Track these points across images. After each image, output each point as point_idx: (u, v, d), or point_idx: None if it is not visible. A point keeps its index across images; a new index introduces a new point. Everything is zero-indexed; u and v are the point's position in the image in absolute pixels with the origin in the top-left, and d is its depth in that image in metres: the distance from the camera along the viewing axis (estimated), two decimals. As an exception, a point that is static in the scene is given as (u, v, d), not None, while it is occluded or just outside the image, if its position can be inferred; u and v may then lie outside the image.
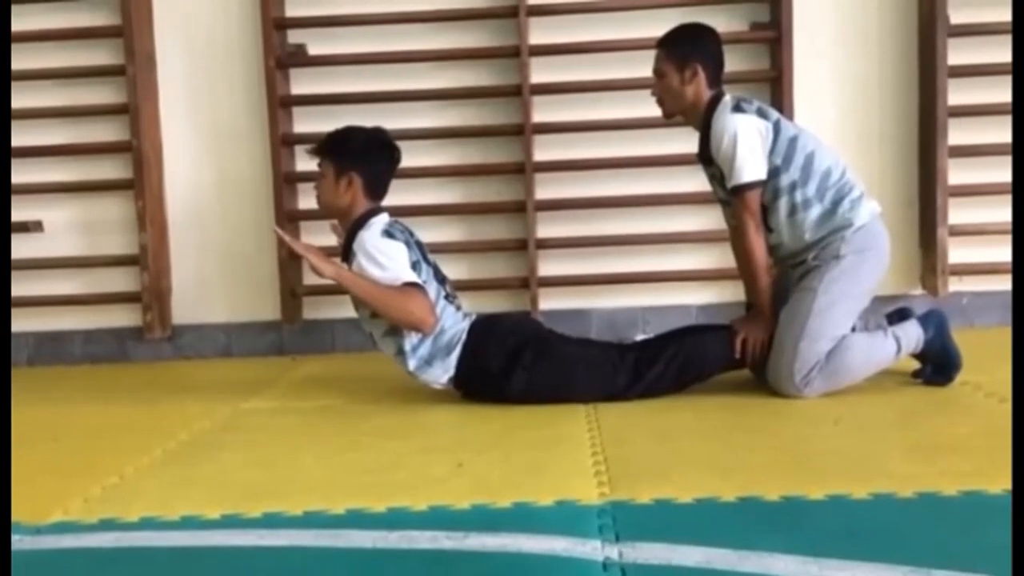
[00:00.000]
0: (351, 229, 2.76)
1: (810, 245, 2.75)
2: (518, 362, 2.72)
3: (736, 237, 2.85)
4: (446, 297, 2.79)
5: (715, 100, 2.78)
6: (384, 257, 2.66)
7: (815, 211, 2.72)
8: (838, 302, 2.68)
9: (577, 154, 3.77)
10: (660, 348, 2.78)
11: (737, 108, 2.73)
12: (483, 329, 2.80)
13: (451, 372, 2.75)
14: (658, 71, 2.82)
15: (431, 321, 2.66)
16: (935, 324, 2.77)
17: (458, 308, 2.82)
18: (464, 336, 2.75)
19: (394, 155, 2.85)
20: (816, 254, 2.74)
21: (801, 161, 2.72)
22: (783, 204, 2.73)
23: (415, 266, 2.71)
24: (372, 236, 2.70)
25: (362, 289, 2.67)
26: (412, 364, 2.74)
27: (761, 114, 2.75)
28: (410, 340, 2.72)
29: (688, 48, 2.78)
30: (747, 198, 2.72)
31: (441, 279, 2.82)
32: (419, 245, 2.82)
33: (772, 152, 2.71)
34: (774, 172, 2.72)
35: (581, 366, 2.75)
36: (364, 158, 2.77)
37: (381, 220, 2.76)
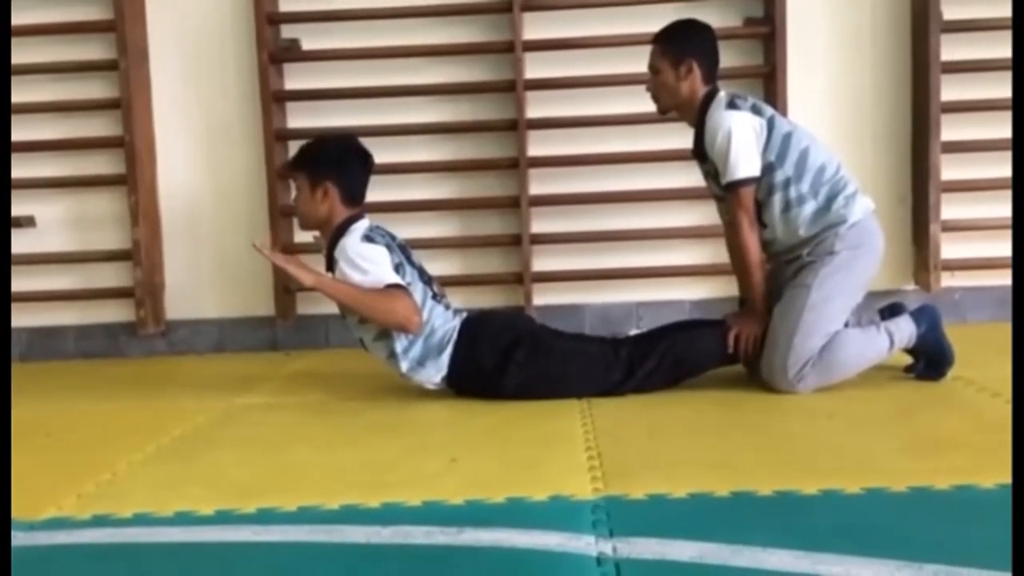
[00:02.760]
0: (332, 237, 2.76)
1: (804, 241, 2.75)
2: (511, 359, 2.72)
3: (731, 234, 2.85)
4: (434, 297, 2.78)
5: (710, 96, 2.78)
6: (365, 262, 2.65)
7: (809, 207, 2.72)
8: (832, 298, 2.69)
9: (571, 150, 3.77)
10: (653, 344, 2.78)
11: (731, 105, 2.74)
12: (475, 326, 2.79)
13: (444, 371, 2.75)
14: (653, 67, 2.82)
15: (416, 321, 2.65)
16: (928, 319, 2.78)
17: (447, 307, 2.82)
18: (455, 335, 2.75)
19: (367, 160, 2.84)
20: (810, 250, 2.74)
21: (795, 157, 2.72)
22: (777, 200, 2.74)
23: (398, 268, 2.70)
24: (352, 242, 2.69)
25: (344, 294, 2.66)
26: (404, 366, 2.74)
27: (755, 111, 2.75)
28: (401, 342, 2.72)
29: (684, 44, 2.79)
30: (741, 194, 2.72)
31: (427, 280, 2.82)
32: (402, 248, 2.82)
33: (766, 149, 2.71)
34: (768, 168, 2.72)
35: (574, 362, 2.75)
36: (337, 167, 2.76)
37: (361, 226, 2.76)
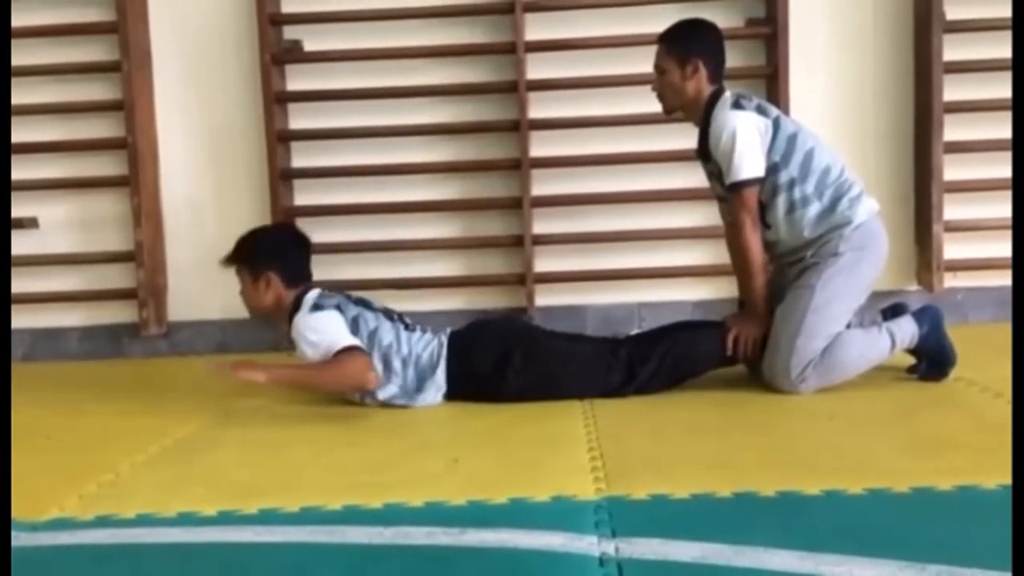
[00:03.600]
0: (288, 319, 2.75)
1: (808, 243, 2.74)
2: (508, 366, 2.71)
3: (732, 234, 2.84)
4: (406, 328, 2.79)
5: (715, 96, 2.78)
6: (315, 334, 2.64)
7: (814, 208, 2.72)
8: (835, 299, 2.69)
9: (573, 150, 3.77)
10: (653, 345, 2.78)
11: (737, 105, 2.73)
12: (466, 336, 2.80)
13: (443, 388, 2.75)
14: (659, 67, 2.81)
15: (371, 376, 2.61)
16: (929, 320, 2.78)
17: (424, 331, 2.82)
18: (444, 350, 2.75)
19: (304, 243, 2.88)
20: (814, 251, 2.74)
21: (800, 158, 2.72)
22: (782, 201, 2.73)
23: (355, 321, 2.69)
24: (302, 318, 2.69)
25: (297, 379, 2.66)
26: (403, 401, 2.73)
27: (761, 111, 2.74)
28: (389, 388, 2.71)
29: (689, 44, 2.78)
30: (744, 195, 2.72)
31: (395, 317, 2.82)
32: (359, 300, 2.81)
33: (771, 149, 2.71)
34: (773, 169, 2.71)
35: (573, 364, 2.75)
36: (274, 255, 2.78)
37: (310, 298, 2.75)
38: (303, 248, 2.87)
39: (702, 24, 2.86)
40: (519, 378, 2.71)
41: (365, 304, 2.81)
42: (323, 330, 2.65)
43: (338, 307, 2.72)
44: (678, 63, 2.77)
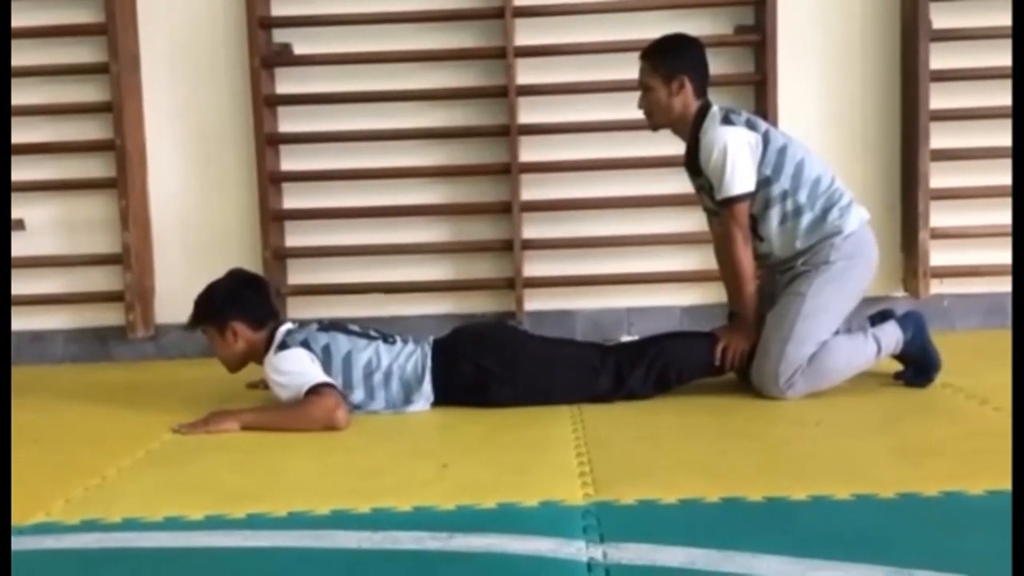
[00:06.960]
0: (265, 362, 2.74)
1: (800, 252, 2.75)
2: (495, 375, 2.71)
3: (722, 247, 2.84)
4: (384, 341, 2.77)
5: (703, 111, 2.77)
6: (283, 375, 2.63)
7: (806, 219, 2.73)
8: (825, 307, 2.70)
9: (563, 155, 3.78)
10: (641, 352, 2.79)
11: (726, 120, 2.73)
12: (452, 344, 2.79)
13: (431, 398, 2.74)
14: (644, 84, 2.81)
15: (340, 415, 2.56)
16: (914, 325, 2.80)
17: (406, 342, 2.81)
18: (428, 360, 2.74)
19: (259, 284, 2.89)
20: (805, 260, 2.75)
21: (791, 170, 2.72)
22: (775, 213, 2.74)
23: (326, 351, 2.67)
24: (270, 360, 2.68)
25: (271, 423, 2.60)
26: (391, 412, 2.72)
27: (750, 126, 2.75)
28: (373, 404, 2.71)
29: (674, 60, 2.77)
30: (736, 210, 2.72)
31: (372, 334, 2.80)
32: (332, 325, 2.79)
33: (762, 163, 2.71)
34: (765, 182, 2.72)
35: (561, 370, 2.75)
36: (233, 303, 2.76)
37: (277, 338, 2.72)
38: (259, 289, 2.86)
39: (685, 40, 2.85)
40: (506, 385, 2.71)
41: (339, 328, 2.79)
42: (289, 370, 2.63)
43: (304, 342, 2.68)
44: (664, 80, 2.76)
